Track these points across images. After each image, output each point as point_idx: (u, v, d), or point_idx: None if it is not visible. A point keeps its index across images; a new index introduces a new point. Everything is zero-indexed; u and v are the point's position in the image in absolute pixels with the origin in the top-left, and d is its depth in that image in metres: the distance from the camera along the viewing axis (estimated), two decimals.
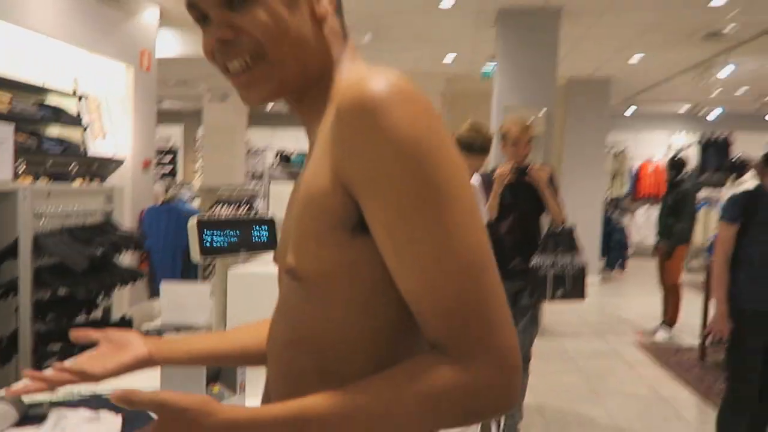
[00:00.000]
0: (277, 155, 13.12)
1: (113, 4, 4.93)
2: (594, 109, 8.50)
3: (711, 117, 10.99)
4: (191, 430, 0.59)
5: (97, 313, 2.76)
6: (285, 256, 0.71)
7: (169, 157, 13.35)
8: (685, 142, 11.26)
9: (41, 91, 4.58)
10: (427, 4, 5.45)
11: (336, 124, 0.64)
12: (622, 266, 8.82)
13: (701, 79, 7.15)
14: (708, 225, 8.22)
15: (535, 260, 2.89)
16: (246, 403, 1.33)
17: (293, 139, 13.47)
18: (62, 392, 1.30)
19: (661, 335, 5.23)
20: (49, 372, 0.79)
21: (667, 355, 4.73)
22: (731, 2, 5.05)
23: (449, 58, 7.77)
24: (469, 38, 6.68)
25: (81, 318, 2.59)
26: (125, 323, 2.69)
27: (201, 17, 0.72)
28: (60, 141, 4.58)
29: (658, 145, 11.35)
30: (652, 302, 5.99)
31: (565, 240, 2.92)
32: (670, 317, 5.25)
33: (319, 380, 0.66)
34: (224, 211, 4.88)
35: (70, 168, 4.84)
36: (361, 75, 0.65)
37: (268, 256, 1.53)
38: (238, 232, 1.42)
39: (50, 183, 2.92)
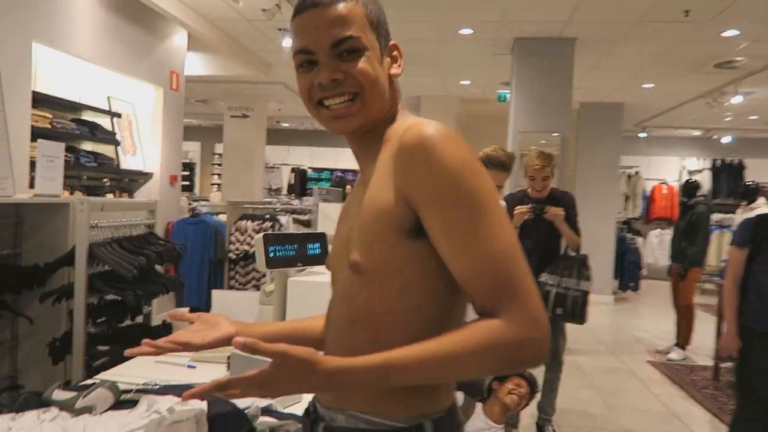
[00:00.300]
0: (292, 171, 13.38)
1: (146, 30, 5.17)
2: (606, 132, 8.65)
3: (724, 141, 11.11)
4: (305, 373, 0.77)
5: (139, 319, 2.94)
6: (343, 258, 0.93)
7: (186, 172, 13.64)
8: (698, 166, 11.37)
9: (77, 107, 4.81)
10: (447, 31, 5.67)
11: (400, 157, 0.86)
12: (636, 287, 8.90)
13: (712, 106, 7.30)
14: (721, 248, 8.31)
15: (543, 277, 3.12)
16: (304, 396, 1.47)
17: (307, 156, 13.73)
18: (144, 382, 1.46)
19: (675, 355, 5.32)
20: (160, 341, 0.98)
21: (680, 375, 4.82)
22: (742, 34, 5.22)
23: (465, 81, 7.98)
24: (485, 64, 6.88)
25: (127, 322, 2.76)
26: (167, 327, 2.85)
27: (306, 62, 0.93)
28: (95, 155, 4.80)
29: (671, 169, 11.46)
30: (666, 323, 6.08)
31: (575, 265, 3.15)
32: (683, 338, 5.34)
33: (373, 349, 0.83)
34: (249, 225, 5.05)
35: (103, 181, 5.08)
36: (416, 122, 0.89)
37: (320, 268, 1.69)
38: (296, 246, 1.59)
39: (85, 196, 3.10)
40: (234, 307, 2.06)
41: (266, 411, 1.27)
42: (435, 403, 0.90)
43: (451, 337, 0.81)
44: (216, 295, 2.08)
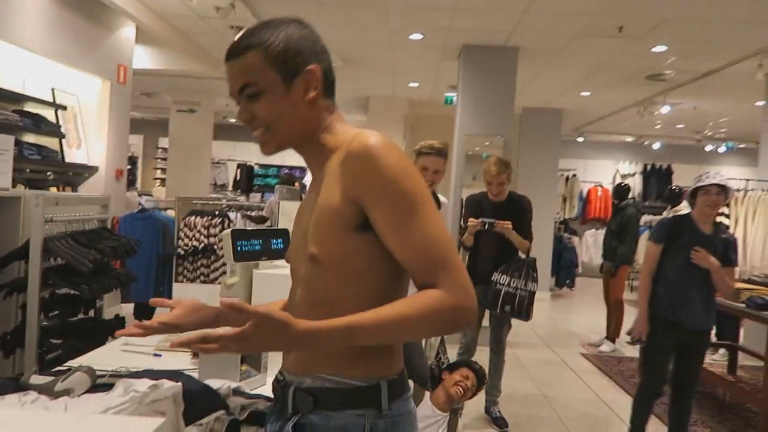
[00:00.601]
0: (238, 167, 13.26)
1: (94, 22, 5.08)
2: (547, 136, 9.06)
3: (654, 147, 11.80)
4: (280, 332, 0.91)
5: (92, 312, 2.95)
6: (302, 251, 1.08)
7: (128, 166, 13.26)
8: (630, 170, 12.03)
9: (19, 98, 4.69)
10: (397, 36, 5.84)
11: (347, 163, 1.02)
12: (572, 284, 9.36)
13: (643, 115, 7.79)
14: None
15: (495, 276, 3.38)
16: (267, 380, 1.59)
17: (255, 153, 13.65)
18: (114, 369, 1.54)
19: (605, 347, 5.69)
20: (150, 322, 1.11)
21: (610, 365, 5.18)
22: (669, 50, 5.63)
23: (414, 84, 8.18)
24: (433, 68, 7.10)
25: (80, 315, 2.78)
26: (119, 321, 2.88)
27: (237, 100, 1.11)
28: (38, 148, 4.69)
29: (606, 172, 12.08)
30: (598, 318, 6.48)
31: (524, 267, 3.44)
32: (613, 331, 5.72)
33: None
34: (199, 221, 5.05)
35: (47, 174, 4.96)
36: (359, 132, 1.05)
37: (280, 261, 1.80)
38: (261, 241, 1.70)
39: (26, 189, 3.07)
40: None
41: (236, 392, 1.39)
42: (389, 368, 1.07)
43: (403, 302, 0.99)
44: (177, 288, 2.16)
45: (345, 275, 1.04)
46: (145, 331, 1.09)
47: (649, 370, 3.18)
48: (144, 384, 1.31)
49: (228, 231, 1.60)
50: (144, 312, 5.15)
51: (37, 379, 1.33)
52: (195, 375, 1.48)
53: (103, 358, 1.77)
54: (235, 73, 1.07)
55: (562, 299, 8.90)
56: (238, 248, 1.61)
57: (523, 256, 3.57)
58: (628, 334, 3.21)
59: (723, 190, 2.94)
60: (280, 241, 1.74)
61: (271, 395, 1.44)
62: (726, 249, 3.01)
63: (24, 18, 4.23)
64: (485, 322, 3.70)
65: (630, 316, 5.94)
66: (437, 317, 0.97)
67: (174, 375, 1.38)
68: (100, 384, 1.38)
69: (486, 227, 3.41)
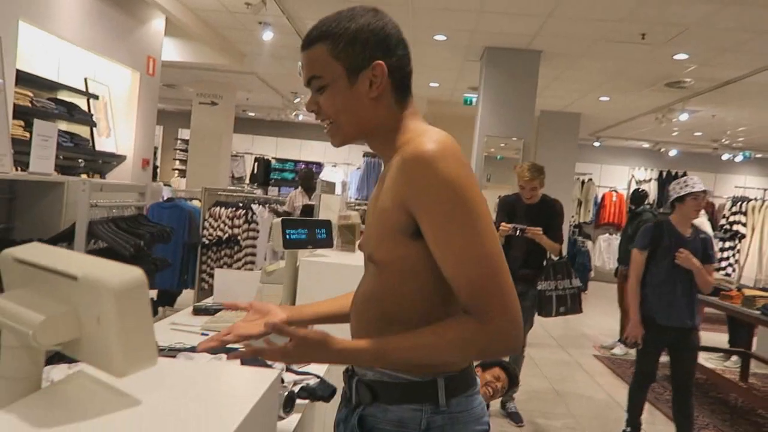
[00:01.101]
0: (256, 161, 13.41)
1: (126, 13, 5.21)
2: (564, 140, 9.11)
3: (671, 154, 11.80)
4: (318, 350, 1.00)
5: None
6: (369, 247, 1.11)
7: None
8: (645, 176, 12.04)
9: (54, 86, 4.83)
10: (421, 36, 5.92)
11: (401, 169, 1.00)
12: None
13: (661, 121, 7.81)
14: None
15: (541, 285, 3.65)
16: None
17: (272, 147, 13.78)
18: (168, 345, 1.65)
19: (618, 350, 5.75)
20: (226, 337, 1.20)
21: (622, 368, 5.24)
22: (691, 58, 5.68)
23: (434, 84, 8.26)
24: (455, 69, 7.18)
25: None
26: (153, 304, 2.99)
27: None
28: (71, 136, 4.83)
29: (621, 177, 12.10)
30: (610, 321, 6.53)
31: (562, 268, 3.63)
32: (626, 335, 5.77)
33: (382, 321, 1.08)
34: (223, 212, 5.18)
35: (78, 162, 5.10)
36: (418, 135, 1.03)
37: (325, 250, 1.90)
38: (306, 230, 1.80)
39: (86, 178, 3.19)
40: (234, 285, 2.25)
41: (288, 369, 1.49)
42: (448, 365, 1.07)
43: (432, 331, 0.99)
44: (218, 273, 2.26)
45: (395, 276, 1.06)
46: (221, 343, 1.18)
47: (641, 366, 3.42)
48: (205, 357, 1.42)
49: (278, 220, 1.70)
50: (167, 298, 5.31)
51: None
52: None
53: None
54: (305, 64, 1.08)
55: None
56: (287, 236, 1.71)
57: (555, 257, 3.72)
58: (624, 341, 3.40)
59: (705, 195, 3.26)
60: (323, 231, 1.84)
61: (318, 374, 1.54)
62: (705, 248, 3.23)
63: (60, 8, 4.36)
64: None
65: None
66: (470, 347, 0.98)
67: (233, 351, 1.48)
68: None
69: (517, 233, 3.56)
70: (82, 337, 0.53)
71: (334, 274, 1.70)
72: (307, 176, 6.83)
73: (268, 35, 5.82)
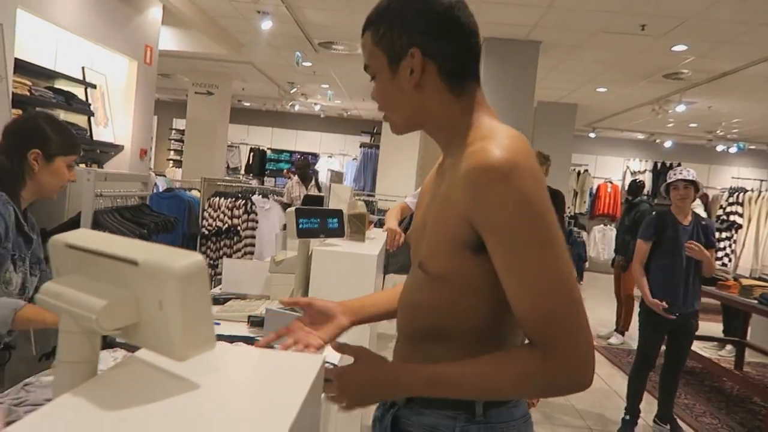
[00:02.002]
0: (251, 151, 13.37)
1: (124, 1, 5.16)
2: (560, 131, 9.13)
3: (665, 145, 11.86)
4: (374, 368, 0.98)
5: None
6: (419, 241, 1.03)
7: None
8: (640, 167, 12.10)
9: (52, 75, 4.78)
10: None
11: (468, 179, 0.89)
12: (580, 278, 9.47)
13: (658, 112, 7.85)
14: None
15: None
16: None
17: (267, 137, 13.74)
18: None
19: (615, 340, 5.81)
20: (288, 344, 1.15)
21: (619, 357, 5.30)
22: (689, 50, 5.70)
23: None
24: None
25: None
26: None
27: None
28: (68, 125, 4.79)
29: (616, 168, 12.16)
30: (606, 311, 6.59)
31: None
32: (623, 324, 5.83)
33: (432, 335, 1.01)
34: (223, 203, 5.17)
35: None
36: (489, 136, 0.93)
37: (336, 240, 1.91)
38: (318, 220, 1.80)
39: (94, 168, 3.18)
40: (243, 275, 2.26)
41: None
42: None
43: (494, 363, 0.90)
44: (227, 263, 2.27)
45: (449, 290, 0.97)
46: (285, 349, 1.15)
47: (643, 349, 3.55)
48: (222, 344, 1.43)
49: (292, 209, 1.71)
50: None
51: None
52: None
53: None
54: (362, 50, 1.05)
55: None
56: (300, 225, 1.72)
57: None
58: (622, 330, 3.57)
59: (692, 185, 3.33)
60: (335, 220, 1.85)
61: (330, 361, 1.56)
62: (707, 234, 3.38)
63: None
64: None
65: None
66: (531, 385, 0.90)
67: (248, 339, 1.49)
68: None
69: None
70: (142, 322, 0.54)
71: (347, 263, 1.72)
72: (304, 166, 6.84)
73: (266, 24, 5.79)
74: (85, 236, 0.62)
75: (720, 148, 11.57)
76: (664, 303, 3.32)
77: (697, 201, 6.14)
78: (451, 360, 0.94)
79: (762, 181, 6.05)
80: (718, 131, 10.60)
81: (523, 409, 1.04)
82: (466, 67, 1.01)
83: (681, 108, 7.61)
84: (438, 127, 1.03)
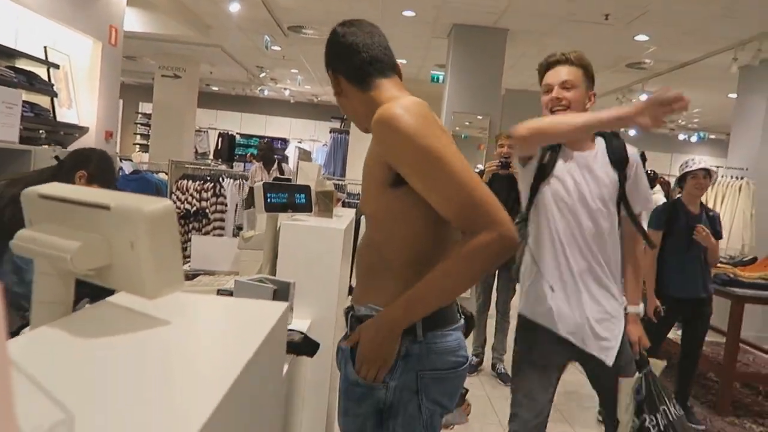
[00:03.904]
0: (219, 136, 13.20)
1: None
2: (528, 118, 9.26)
3: (630, 134, 12.14)
4: (368, 330, 1.20)
5: None
6: (363, 204, 1.31)
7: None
8: None
9: (12, 54, 4.66)
10: (390, 11, 5.92)
11: (373, 131, 1.18)
12: None
13: (622, 101, 8.04)
14: None
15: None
16: (293, 320, 1.74)
17: (236, 122, 13.60)
18: None
19: None
20: None
21: None
22: (651, 39, 5.85)
23: (402, 61, 8.27)
24: (422, 46, 7.20)
25: None
26: None
27: None
28: (31, 106, 4.69)
29: None
30: None
31: None
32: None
33: (380, 264, 1.24)
34: (191, 185, 5.14)
35: (40, 132, 4.96)
36: (387, 101, 1.20)
37: (303, 215, 1.95)
38: (286, 195, 1.84)
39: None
40: (211, 252, 2.28)
41: None
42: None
43: (443, 265, 1.14)
44: (195, 240, 2.29)
45: (385, 224, 1.23)
46: None
47: (654, 335, 3.43)
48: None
49: (260, 183, 1.74)
50: None
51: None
52: None
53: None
54: None
55: None
56: (268, 200, 1.75)
57: None
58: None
59: (708, 174, 3.37)
60: (303, 195, 1.89)
61: (301, 330, 1.61)
62: (714, 224, 3.44)
63: None
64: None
65: None
66: (475, 263, 1.11)
67: None
68: None
69: (501, 165, 3.84)
70: (114, 263, 0.58)
71: (315, 237, 1.76)
72: (266, 149, 6.72)
73: (235, 7, 5.73)
74: (56, 188, 0.65)
75: (682, 137, 11.92)
76: (660, 309, 3.35)
77: (657, 187, 6.33)
78: (398, 291, 1.17)
79: (718, 167, 6.26)
80: (680, 121, 10.91)
81: (456, 336, 1.26)
82: (364, 69, 1.31)
83: (643, 97, 7.80)
84: (364, 115, 1.29)
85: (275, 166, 6.56)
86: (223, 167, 10.12)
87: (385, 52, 1.35)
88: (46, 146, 4.99)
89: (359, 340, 1.21)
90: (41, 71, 4.91)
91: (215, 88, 13.01)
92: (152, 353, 0.54)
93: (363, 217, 1.42)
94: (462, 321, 1.30)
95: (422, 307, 1.16)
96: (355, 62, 1.31)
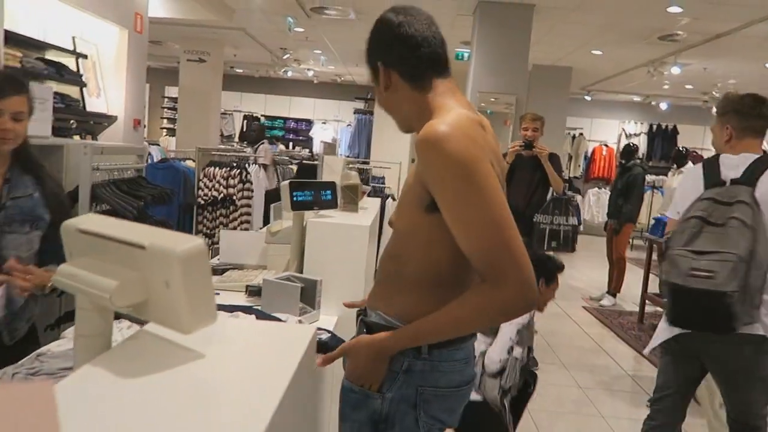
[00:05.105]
0: (245, 119, 13.29)
1: None
2: (555, 94, 9.10)
3: (661, 107, 11.83)
4: (365, 347, 1.19)
5: None
6: (394, 214, 1.28)
7: None
8: (636, 130, 12.09)
9: (42, 46, 4.74)
10: None
11: (416, 149, 1.12)
12: (579, 223, 9.56)
13: (653, 74, 7.82)
14: (653, 207, 9.04)
15: (537, 218, 3.75)
16: (321, 317, 1.77)
17: (261, 104, 13.64)
18: None
19: (606, 301, 5.94)
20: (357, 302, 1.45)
21: (610, 318, 5.43)
22: (685, 11, 5.66)
23: None
24: (447, 24, 7.08)
25: None
26: None
27: None
28: (61, 97, 4.77)
29: (611, 131, 12.14)
30: (599, 274, 6.71)
31: (560, 205, 3.81)
32: (614, 286, 5.95)
33: (398, 277, 1.22)
34: (218, 172, 5.20)
35: (70, 123, 5.07)
36: (437, 115, 1.15)
37: (330, 211, 1.96)
38: (312, 192, 1.85)
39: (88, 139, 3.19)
40: (240, 246, 2.32)
41: (300, 323, 1.58)
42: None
43: (456, 305, 1.10)
44: (224, 234, 2.33)
45: (411, 243, 1.20)
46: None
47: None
48: (222, 315, 1.49)
49: (286, 182, 1.76)
50: None
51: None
52: None
53: None
54: None
55: (564, 255, 9.12)
56: (294, 198, 1.77)
57: (557, 195, 3.90)
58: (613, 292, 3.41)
59: None
60: (328, 192, 1.90)
61: (329, 329, 1.64)
62: None
63: None
64: None
65: (631, 274, 6.21)
66: (490, 311, 1.09)
67: (247, 309, 1.56)
68: None
69: (524, 146, 3.83)
70: (150, 299, 0.60)
71: (341, 234, 1.78)
72: (261, 130, 6.86)
73: None
74: (94, 221, 0.67)
75: (715, 109, 11.54)
76: None
77: (690, 164, 6.19)
78: (411, 307, 1.17)
79: None
80: (713, 92, 10.57)
81: (465, 352, 1.23)
82: (422, 67, 1.21)
83: (676, 70, 7.58)
84: (416, 119, 1.21)
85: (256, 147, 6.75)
86: (249, 150, 10.21)
87: (443, 47, 1.24)
88: (77, 137, 5.11)
89: (347, 358, 1.21)
90: (70, 61, 4.99)
91: (239, 71, 13.04)
92: (189, 389, 0.56)
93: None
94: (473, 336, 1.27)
95: (426, 341, 1.16)
96: (414, 58, 1.20)
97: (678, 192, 2.62)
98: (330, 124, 13.21)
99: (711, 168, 2.39)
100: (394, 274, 1.23)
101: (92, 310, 0.61)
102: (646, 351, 2.61)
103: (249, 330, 0.79)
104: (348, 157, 10.63)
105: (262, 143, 6.89)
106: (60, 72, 4.74)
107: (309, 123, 13.08)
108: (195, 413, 0.51)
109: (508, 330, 2.24)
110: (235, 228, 5.04)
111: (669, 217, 2.72)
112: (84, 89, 5.10)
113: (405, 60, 1.21)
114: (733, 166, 2.53)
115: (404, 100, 1.23)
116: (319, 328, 1.61)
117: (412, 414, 1.18)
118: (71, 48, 4.99)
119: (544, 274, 2.49)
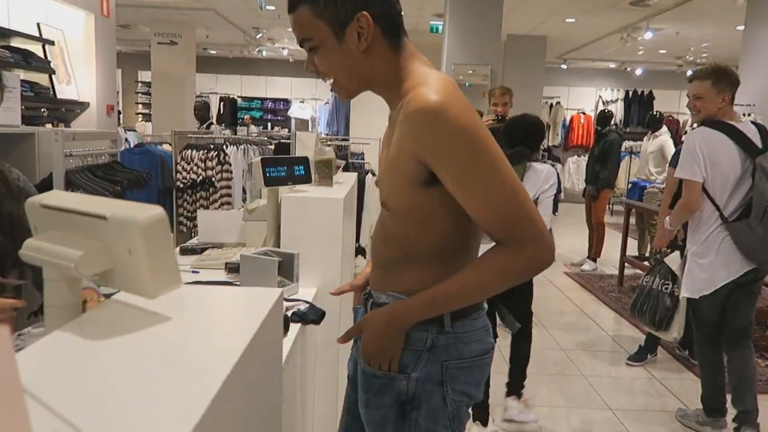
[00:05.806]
0: (221, 101, 13.12)
1: None
2: (531, 64, 9.11)
3: (637, 73, 11.90)
4: (380, 321, 1.13)
5: None
6: (383, 194, 1.15)
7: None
8: (612, 97, 12.18)
9: (5, 33, 4.64)
10: None
11: (408, 122, 1.02)
12: (555, 209, 9.67)
13: (627, 41, 7.86)
14: (630, 172, 9.16)
15: None
16: (300, 289, 1.79)
17: (237, 85, 13.47)
18: None
19: (587, 266, 6.05)
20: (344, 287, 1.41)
21: (591, 282, 5.55)
22: None
23: None
24: None
25: None
26: None
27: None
28: (30, 85, 4.69)
29: (589, 99, 12.21)
30: (580, 240, 6.82)
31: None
32: (594, 251, 6.06)
33: (402, 262, 1.15)
34: (195, 155, 5.16)
35: (41, 111, 4.99)
36: (421, 82, 1.05)
37: (304, 186, 1.98)
38: (285, 168, 1.87)
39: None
40: (218, 225, 2.34)
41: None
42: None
43: (475, 269, 1.07)
44: (201, 214, 2.34)
45: (410, 222, 1.12)
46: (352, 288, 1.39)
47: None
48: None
49: (258, 159, 1.77)
50: None
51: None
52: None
53: None
54: (294, 26, 1.10)
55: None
56: (267, 174, 1.79)
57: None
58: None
59: None
60: (302, 167, 1.92)
61: (306, 299, 1.67)
62: None
63: None
64: None
65: (610, 238, 6.31)
66: (511, 275, 1.06)
67: (226, 284, 1.58)
68: None
69: (498, 119, 3.90)
70: (115, 268, 0.62)
71: (316, 208, 1.80)
72: (206, 109, 7.06)
73: None
74: (57, 197, 0.69)
75: (690, 73, 11.64)
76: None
77: (664, 128, 6.26)
78: (421, 281, 1.10)
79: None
80: (687, 57, 10.65)
81: (483, 321, 1.20)
82: (398, 21, 1.11)
83: (649, 35, 7.63)
84: (386, 84, 1.12)
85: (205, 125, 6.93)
86: (228, 132, 10.11)
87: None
88: (48, 125, 5.03)
89: (363, 334, 1.15)
90: (36, 48, 4.89)
91: (213, 52, 12.85)
92: (153, 350, 0.58)
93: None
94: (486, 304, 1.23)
95: (444, 308, 1.11)
96: (394, 12, 1.09)
97: (697, 155, 2.61)
98: (308, 102, 13.10)
99: (738, 135, 2.61)
100: (396, 255, 1.16)
101: (60, 280, 0.63)
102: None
103: (218, 296, 0.82)
104: (327, 135, 10.58)
105: (211, 123, 7.10)
106: (27, 59, 4.65)
107: (287, 102, 12.97)
108: (156, 372, 0.53)
109: None
110: (216, 209, 5.03)
111: (690, 179, 2.63)
112: (53, 76, 5.01)
113: (386, 13, 1.08)
114: (753, 132, 2.65)
115: (379, 61, 1.09)
116: (297, 299, 1.65)
117: (439, 392, 1.14)
118: (37, 35, 4.89)
119: None
